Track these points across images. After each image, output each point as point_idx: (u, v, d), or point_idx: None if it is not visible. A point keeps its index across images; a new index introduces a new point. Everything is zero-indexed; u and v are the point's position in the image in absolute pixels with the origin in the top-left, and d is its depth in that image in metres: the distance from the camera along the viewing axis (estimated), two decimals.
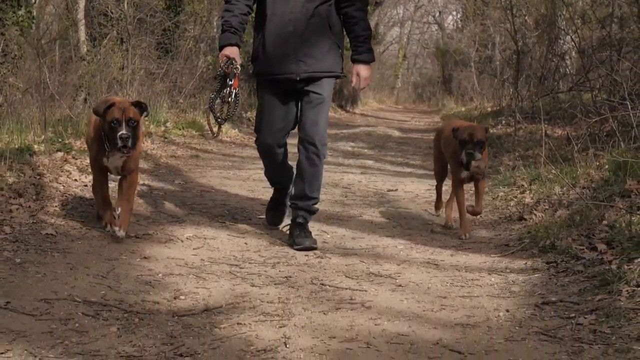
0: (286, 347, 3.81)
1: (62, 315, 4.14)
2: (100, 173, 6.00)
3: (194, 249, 5.83)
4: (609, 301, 4.33)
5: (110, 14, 16.46)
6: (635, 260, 4.75)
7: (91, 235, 5.94)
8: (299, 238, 6.07)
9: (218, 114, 6.19)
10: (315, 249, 6.01)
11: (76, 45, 16.06)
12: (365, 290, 4.87)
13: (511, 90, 17.71)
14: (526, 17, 20.14)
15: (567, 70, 17.76)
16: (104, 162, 5.87)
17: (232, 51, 6.04)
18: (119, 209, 5.82)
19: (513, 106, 15.33)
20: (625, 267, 4.70)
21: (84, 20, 16.25)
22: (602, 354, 3.67)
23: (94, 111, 5.84)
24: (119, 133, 5.56)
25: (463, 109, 25.44)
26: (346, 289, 4.90)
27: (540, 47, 18.63)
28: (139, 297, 4.58)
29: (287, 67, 6.00)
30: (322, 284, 4.99)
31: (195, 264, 5.41)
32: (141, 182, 8.57)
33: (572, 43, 16.20)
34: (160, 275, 5.06)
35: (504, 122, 15.89)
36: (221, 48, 6.10)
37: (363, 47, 6.15)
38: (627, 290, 4.36)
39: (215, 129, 6.34)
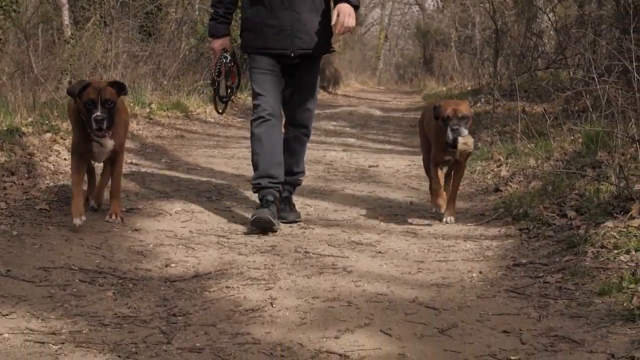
0: (272, 306, 4.07)
1: (60, 282, 4.38)
2: (81, 159, 5.73)
3: (182, 221, 6.07)
4: (575, 261, 4.62)
5: None
6: (602, 225, 5.02)
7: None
8: (284, 212, 6.18)
9: (223, 95, 6.41)
10: (299, 221, 6.18)
11: (59, 29, 16.21)
12: (347, 257, 5.13)
13: (490, 69, 18.00)
14: None
15: (545, 48, 18.06)
16: (88, 147, 5.66)
17: (222, 43, 6.13)
18: (92, 201, 6.02)
19: (492, 85, 15.62)
20: (592, 231, 4.98)
21: (67, 5, 16.39)
22: (566, 307, 3.96)
23: (68, 92, 5.71)
24: (94, 115, 5.34)
25: (444, 88, 25.67)
26: (329, 256, 5.16)
27: (519, 26, 18.84)
28: (132, 265, 4.82)
29: (281, 42, 5.89)
30: (306, 252, 5.24)
31: (184, 235, 5.65)
32: (128, 160, 8.80)
33: (550, 21, 16.45)
34: (151, 245, 5.30)
35: (482, 100, 16.13)
36: (211, 36, 6.22)
37: None
38: (592, 252, 4.64)
39: (220, 107, 6.54)
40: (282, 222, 6.08)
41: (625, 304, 3.81)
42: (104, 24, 15.98)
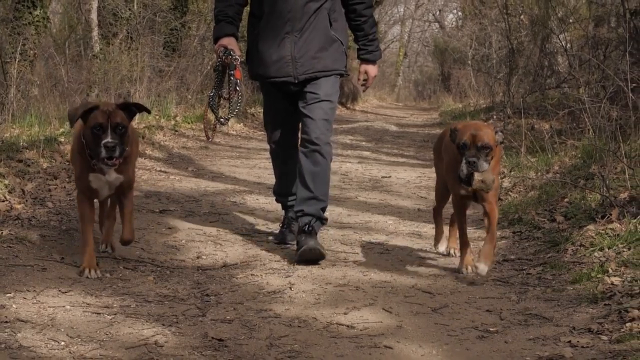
0: (291, 290, 4.73)
1: (108, 268, 5.05)
2: (88, 193, 5.02)
3: (210, 222, 6.74)
4: (556, 257, 5.29)
5: (120, 14, 17.38)
6: (584, 227, 5.66)
7: None
8: (305, 245, 5.46)
9: (220, 114, 5.74)
10: (322, 258, 5.49)
11: (89, 44, 16.99)
12: (357, 253, 5.80)
13: (504, 87, 18.61)
14: (522, 16, 20.96)
15: (558, 68, 18.66)
16: (91, 180, 4.95)
17: (229, 42, 5.64)
18: (103, 245, 5.48)
19: (504, 102, 16.28)
20: (575, 232, 5.62)
21: (97, 20, 17.18)
22: (542, 293, 4.63)
23: (69, 116, 4.96)
24: (103, 141, 4.65)
25: (460, 105, 26.29)
26: (341, 252, 5.82)
27: (533, 45, 19.43)
28: (167, 257, 5.50)
29: (284, 69, 5.63)
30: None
31: (213, 233, 6.32)
32: (157, 168, 9.53)
33: (561, 43, 17.07)
34: (183, 241, 5.98)
35: (495, 117, 16.76)
36: (216, 40, 5.70)
37: (372, 45, 5.92)
38: (571, 249, 5.30)
39: (210, 133, 5.91)
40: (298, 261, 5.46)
41: (591, 290, 4.47)
42: (130, 39, 16.76)
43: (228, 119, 5.84)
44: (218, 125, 5.90)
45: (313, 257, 5.40)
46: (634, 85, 9.20)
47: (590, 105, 8.63)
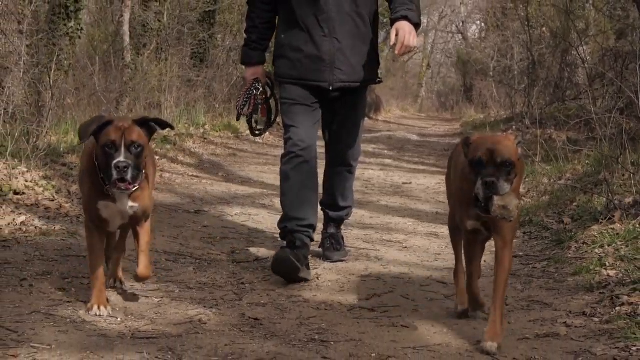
0: (318, 279, 5.25)
1: (151, 260, 5.57)
2: (97, 222, 4.37)
3: (241, 222, 7.25)
4: (560, 254, 5.79)
5: (150, 25, 18.00)
6: (589, 228, 6.13)
7: (159, 210, 7.38)
8: (328, 252, 5.85)
9: (255, 126, 5.74)
10: (344, 260, 5.83)
11: (119, 54, 17.60)
12: (378, 250, 6.29)
13: (525, 98, 19.06)
14: (543, 29, 21.39)
15: (578, 80, 19.08)
16: (100, 209, 4.31)
17: (254, 72, 5.52)
18: (111, 280, 4.81)
19: (523, 113, 16.73)
20: (580, 232, 6.10)
21: (128, 32, 17.79)
22: (545, 283, 5.13)
23: (80, 132, 4.23)
24: (115, 161, 4.04)
25: (482, 116, 26.73)
26: (363, 249, 6.32)
27: (554, 57, 19.85)
28: (204, 251, 6.01)
29: (320, 74, 5.30)
30: (345, 246, 6.39)
31: (244, 232, 6.83)
32: (190, 173, 10.08)
33: (579, 56, 17.48)
34: (218, 238, 6.49)
35: (514, 127, 17.20)
36: (243, 64, 5.70)
37: (409, 4, 5.17)
38: (575, 247, 5.79)
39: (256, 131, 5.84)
40: (328, 262, 5.76)
41: (589, 281, 4.96)
42: (159, 50, 17.36)
43: (263, 132, 5.85)
44: (259, 134, 5.85)
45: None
46: None
47: (602, 116, 9.10)
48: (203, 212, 7.51)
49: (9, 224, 5.88)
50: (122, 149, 4.05)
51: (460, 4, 48.45)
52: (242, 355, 3.72)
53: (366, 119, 23.24)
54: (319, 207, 5.74)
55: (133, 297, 4.63)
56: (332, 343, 3.97)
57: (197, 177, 9.89)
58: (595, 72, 15.64)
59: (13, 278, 4.67)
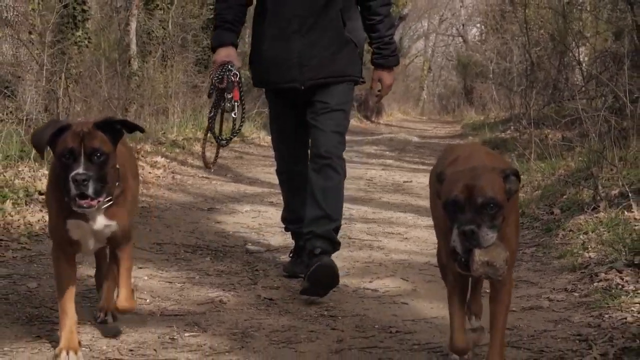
0: None
1: (171, 251, 6.06)
2: (66, 247, 3.69)
3: (252, 217, 7.73)
4: (548, 240, 6.28)
5: (154, 33, 18.51)
6: (576, 217, 6.61)
7: (174, 207, 7.88)
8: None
9: (219, 135, 5.33)
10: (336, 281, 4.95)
11: (126, 61, 18.10)
12: (380, 241, 6.78)
13: (522, 99, 19.51)
14: (541, 31, 21.82)
15: (575, 81, 19.53)
16: (69, 229, 3.61)
17: (227, 54, 5.01)
18: (101, 313, 4.18)
19: (520, 114, 17.21)
20: (567, 221, 6.58)
21: (135, 40, 18.30)
22: (533, 266, 5.63)
23: (33, 141, 3.60)
24: (73, 173, 3.36)
25: (482, 117, 27.19)
26: (366, 240, 6.81)
27: (552, 59, 20.28)
28: (219, 244, 6.49)
29: (288, 74, 4.99)
30: (349, 238, 6.86)
31: (255, 226, 7.31)
32: (200, 174, 10.58)
33: (575, 57, 17.94)
34: (231, 232, 6.98)
35: (512, 127, 17.69)
36: (214, 49, 5.08)
37: (388, 49, 5.14)
38: (562, 234, 6.27)
39: (211, 160, 5.61)
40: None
41: (572, 262, 5.44)
42: (164, 57, 17.86)
43: (228, 141, 5.38)
44: (223, 144, 5.39)
45: (327, 275, 4.80)
46: (636, 96, 10.14)
47: (592, 114, 9.58)
48: (215, 210, 8.00)
49: (38, 221, 6.36)
50: (82, 159, 3.38)
51: (460, 7, 48.86)
52: (260, 327, 4.21)
53: (368, 122, 23.60)
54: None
55: (158, 283, 5.12)
56: (340, 317, 4.47)
57: (207, 178, 10.37)
58: (590, 74, 16.11)
59: (49, 267, 5.15)
